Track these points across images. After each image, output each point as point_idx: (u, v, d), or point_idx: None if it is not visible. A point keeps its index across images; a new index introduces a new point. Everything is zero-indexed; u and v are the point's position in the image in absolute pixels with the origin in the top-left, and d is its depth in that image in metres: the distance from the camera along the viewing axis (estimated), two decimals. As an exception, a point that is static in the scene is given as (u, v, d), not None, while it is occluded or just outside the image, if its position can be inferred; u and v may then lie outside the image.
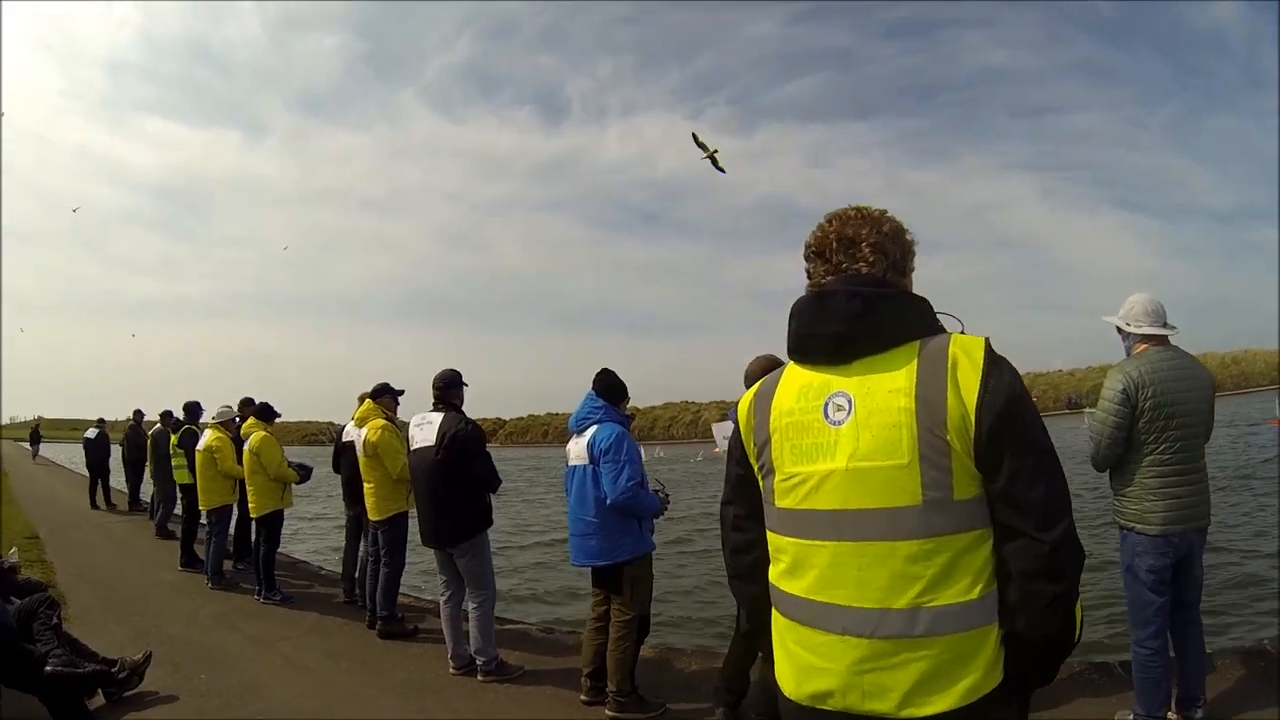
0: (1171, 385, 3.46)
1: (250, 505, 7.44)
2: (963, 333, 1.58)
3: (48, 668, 4.31)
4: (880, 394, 1.48)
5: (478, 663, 5.05)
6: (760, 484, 1.70)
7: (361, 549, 6.88)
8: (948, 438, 1.42)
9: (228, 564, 8.61)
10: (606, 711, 4.34)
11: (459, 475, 4.89)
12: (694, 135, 14.61)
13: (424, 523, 5.08)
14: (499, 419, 70.71)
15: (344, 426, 7.07)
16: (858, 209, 1.69)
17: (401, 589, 6.47)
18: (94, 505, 15.02)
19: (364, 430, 5.99)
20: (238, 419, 8.24)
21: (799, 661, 1.58)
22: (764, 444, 1.66)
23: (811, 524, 1.54)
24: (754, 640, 1.83)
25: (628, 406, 4.56)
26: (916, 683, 1.42)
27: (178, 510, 10.25)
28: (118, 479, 15.60)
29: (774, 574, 1.67)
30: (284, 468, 7.31)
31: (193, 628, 6.58)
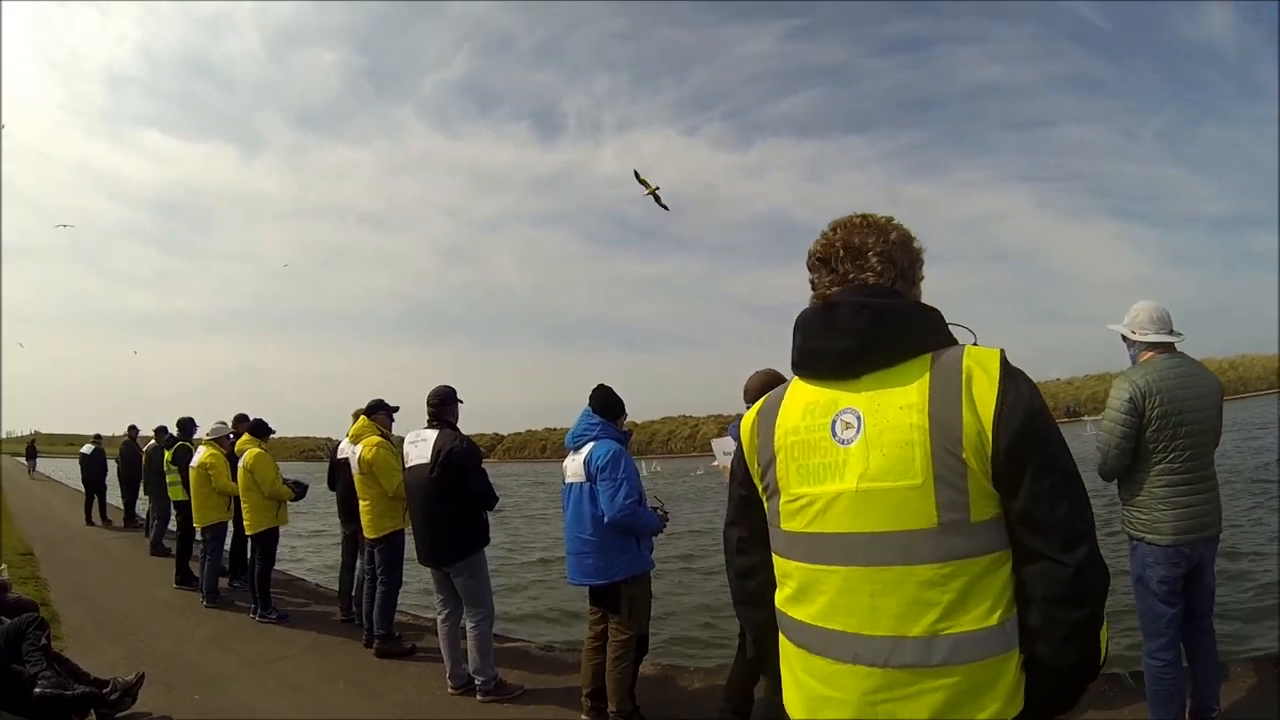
0: (1179, 393, 3.41)
1: (245, 522, 7.35)
2: (976, 344, 1.51)
3: (36, 689, 4.25)
4: (891, 410, 1.41)
5: (476, 682, 4.98)
6: (765, 505, 1.62)
7: (358, 567, 6.81)
8: (963, 456, 1.35)
9: (223, 582, 8.52)
10: (607, 732, 4.26)
11: (454, 493, 4.83)
12: (635, 173, 14.64)
13: (420, 541, 5.01)
14: (496, 434, 70.70)
15: (339, 443, 7.00)
16: (864, 217, 1.62)
17: (399, 607, 6.40)
18: (89, 521, 14.90)
19: (359, 447, 5.92)
20: (232, 435, 8.19)
21: (809, 691, 1.50)
22: (768, 464, 1.58)
23: (820, 548, 1.47)
24: (761, 666, 1.75)
25: (625, 422, 4.51)
26: (933, 714, 1.35)
27: (172, 526, 10.17)
28: (114, 495, 15.46)
29: (780, 599, 1.59)
30: (278, 485, 7.23)
31: (187, 647, 6.51)
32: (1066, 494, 1.36)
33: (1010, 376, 1.39)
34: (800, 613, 1.51)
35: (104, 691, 4.71)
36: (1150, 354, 3.56)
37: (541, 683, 5.26)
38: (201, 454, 8.00)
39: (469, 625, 4.99)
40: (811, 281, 1.65)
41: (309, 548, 14.01)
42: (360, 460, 5.85)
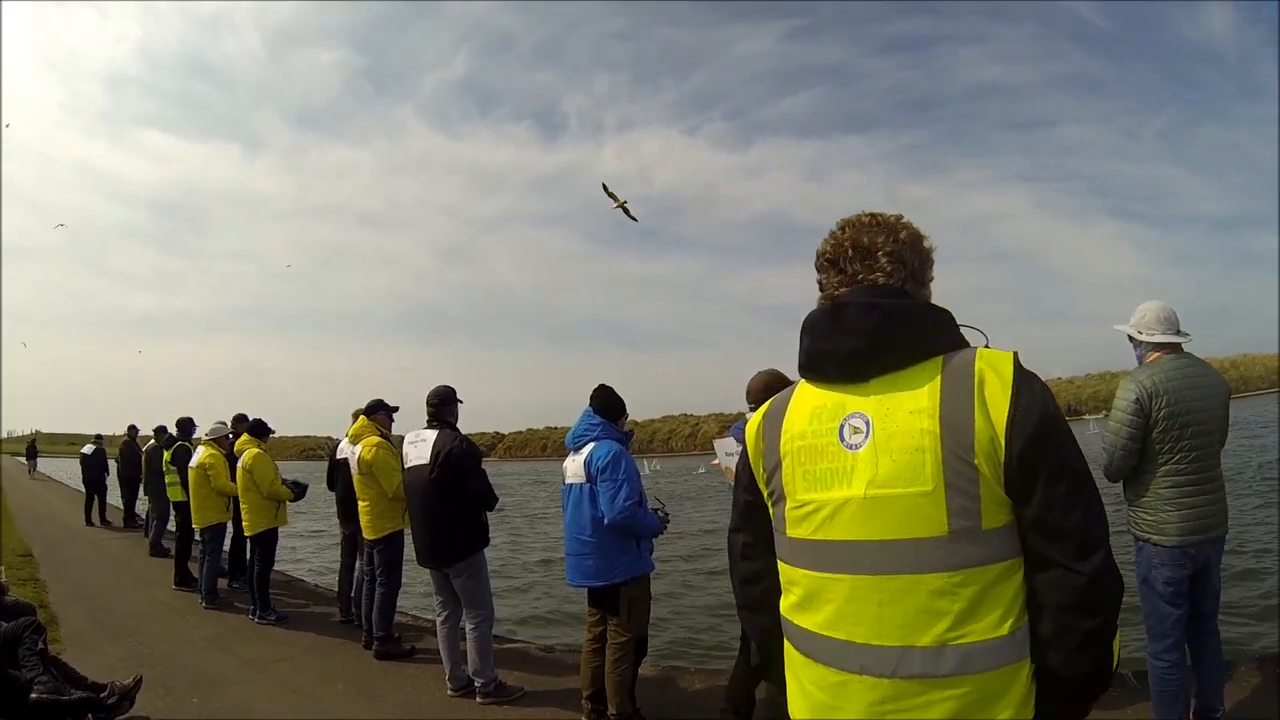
0: (1186, 394, 3.39)
1: (244, 523, 7.33)
2: (988, 346, 1.47)
3: (33, 695, 4.22)
4: (901, 415, 1.37)
5: (476, 684, 4.96)
6: (770, 511, 1.59)
7: (357, 568, 6.80)
8: (975, 462, 1.31)
9: (222, 583, 8.50)
10: (608, 734, 4.23)
11: (454, 494, 4.80)
12: (604, 185, 14.70)
13: (419, 542, 4.98)
14: (497, 433, 70.71)
15: (339, 443, 6.97)
16: (872, 215, 1.58)
17: (398, 608, 6.38)
18: (89, 522, 14.89)
19: (358, 448, 5.90)
20: (231, 435, 8.16)
21: (814, 700, 1.47)
22: (774, 469, 1.54)
23: (827, 555, 1.43)
24: (766, 673, 1.71)
25: (626, 423, 4.47)
26: None
27: (171, 527, 10.15)
28: (114, 495, 15.45)
29: (785, 606, 1.55)
30: (277, 485, 7.20)
31: (186, 649, 6.48)
32: (1081, 500, 1.32)
33: (1024, 380, 1.36)
34: (806, 621, 1.48)
35: (101, 696, 4.68)
36: (1157, 354, 3.54)
37: (541, 684, 5.23)
38: (200, 454, 7.96)
39: (468, 627, 4.97)
40: (819, 282, 1.61)
41: (309, 548, 13.98)
42: (360, 461, 5.83)
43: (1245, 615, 6.35)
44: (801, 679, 1.51)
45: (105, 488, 15.37)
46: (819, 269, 1.61)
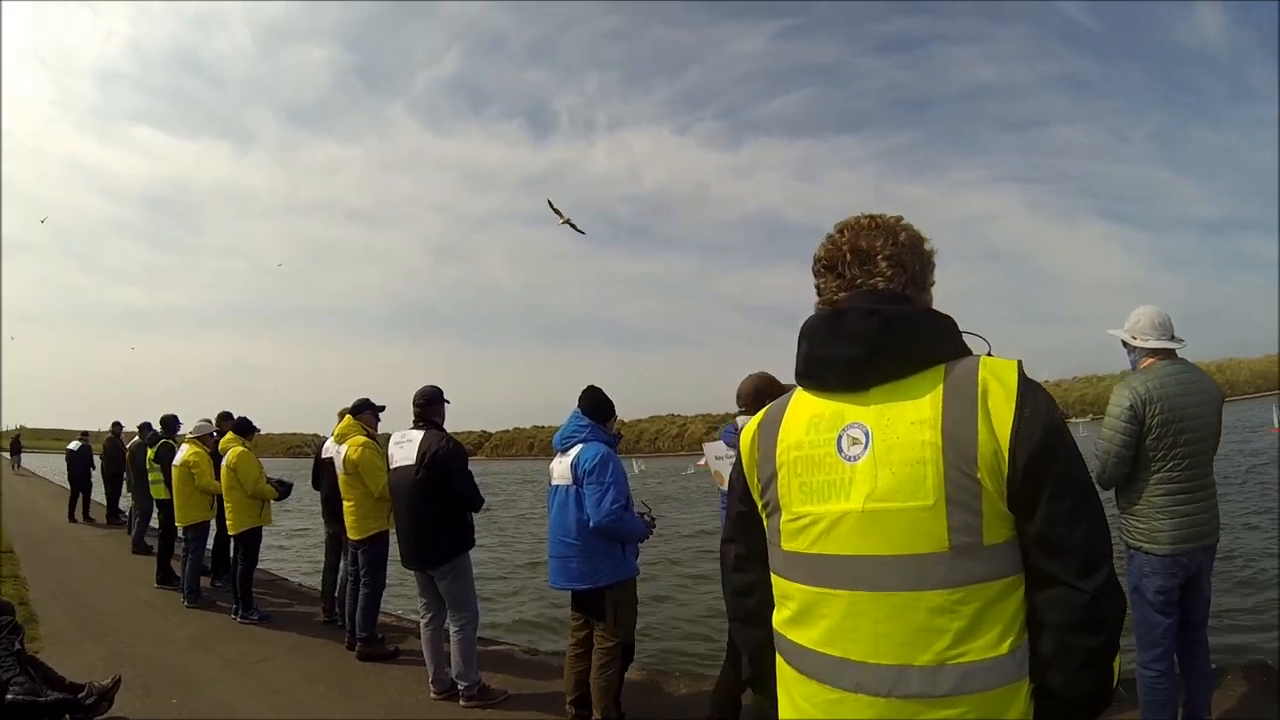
0: (1180, 400, 3.36)
1: (228, 522, 7.26)
2: (990, 354, 1.43)
3: (9, 696, 4.16)
4: (901, 426, 1.33)
5: (459, 687, 4.91)
6: (764, 522, 1.55)
7: (341, 567, 6.74)
8: (978, 476, 1.28)
9: (205, 581, 8.42)
10: (592, 740, 4.20)
11: (440, 495, 4.75)
12: (549, 202, 14.88)
13: (404, 544, 4.93)
14: (484, 431, 70.82)
15: (324, 441, 6.91)
16: (871, 217, 1.54)
17: (382, 609, 6.32)
18: (72, 519, 14.78)
19: (344, 447, 5.84)
20: (216, 433, 8.09)
21: (807, 717, 1.43)
22: (769, 479, 1.50)
23: (823, 570, 1.39)
24: (757, 686, 1.67)
25: (615, 424, 4.43)
26: None
27: (154, 524, 10.06)
28: (99, 492, 15.34)
29: (779, 620, 1.51)
30: (261, 484, 7.14)
31: (167, 648, 6.42)
32: (1085, 516, 1.29)
33: (1028, 390, 1.32)
34: (800, 636, 1.44)
35: (79, 696, 4.60)
36: (1151, 360, 3.52)
37: (526, 688, 5.18)
38: (184, 452, 7.89)
39: (452, 629, 4.92)
40: (817, 287, 1.57)
41: (294, 547, 13.90)
42: (345, 460, 5.77)
43: (1235, 622, 6.36)
44: (794, 694, 1.47)
45: (90, 485, 15.29)
46: (816, 274, 1.57)
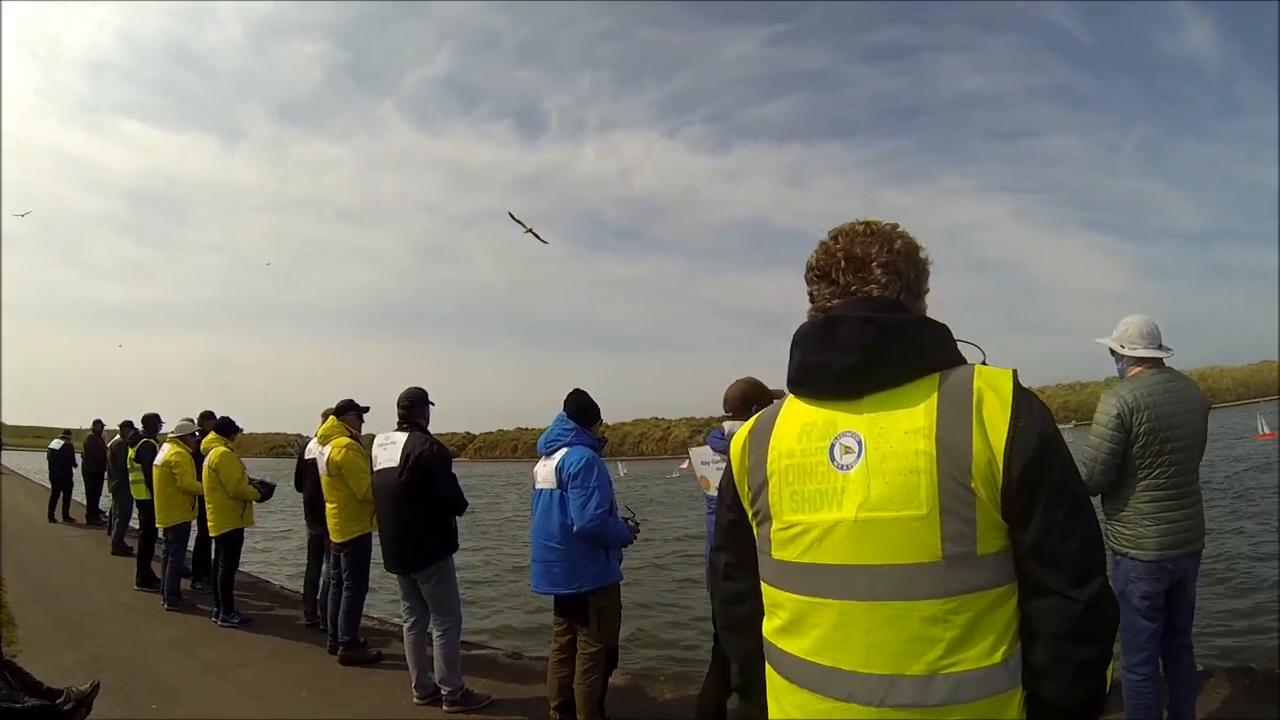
0: (1167, 409, 3.39)
1: (209, 523, 7.17)
2: (985, 363, 1.43)
3: (-17, 703, 4.09)
4: (895, 435, 1.32)
5: (443, 692, 4.87)
6: (755, 531, 1.54)
7: (324, 570, 6.68)
8: (972, 485, 1.27)
9: (185, 583, 8.32)
10: (576, 745, 4.17)
11: (423, 497, 4.72)
12: (510, 214, 14.92)
13: (387, 547, 4.89)
14: (468, 433, 70.71)
15: (307, 442, 6.86)
16: (866, 224, 1.53)
17: (364, 612, 6.26)
18: (52, 519, 14.62)
19: (327, 448, 5.79)
20: (198, 433, 8.01)
21: None
22: (759, 488, 1.49)
23: (814, 579, 1.38)
24: (746, 695, 1.66)
25: (599, 428, 4.41)
26: None
27: (135, 525, 9.95)
28: (80, 491, 15.15)
29: (769, 629, 1.49)
30: (243, 485, 7.07)
31: (147, 652, 6.34)
32: (1080, 526, 1.29)
33: (1023, 400, 1.32)
34: (791, 646, 1.43)
35: (57, 702, 4.53)
36: (1139, 369, 3.54)
37: (509, 692, 5.16)
38: (166, 452, 7.80)
39: (436, 633, 4.88)
40: (810, 294, 1.56)
41: (276, 549, 13.79)
42: (329, 462, 5.72)
43: (1219, 625, 6.42)
44: (784, 704, 1.46)
45: (72, 484, 15.11)
46: (809, 281, 1.56)
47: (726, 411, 3.88)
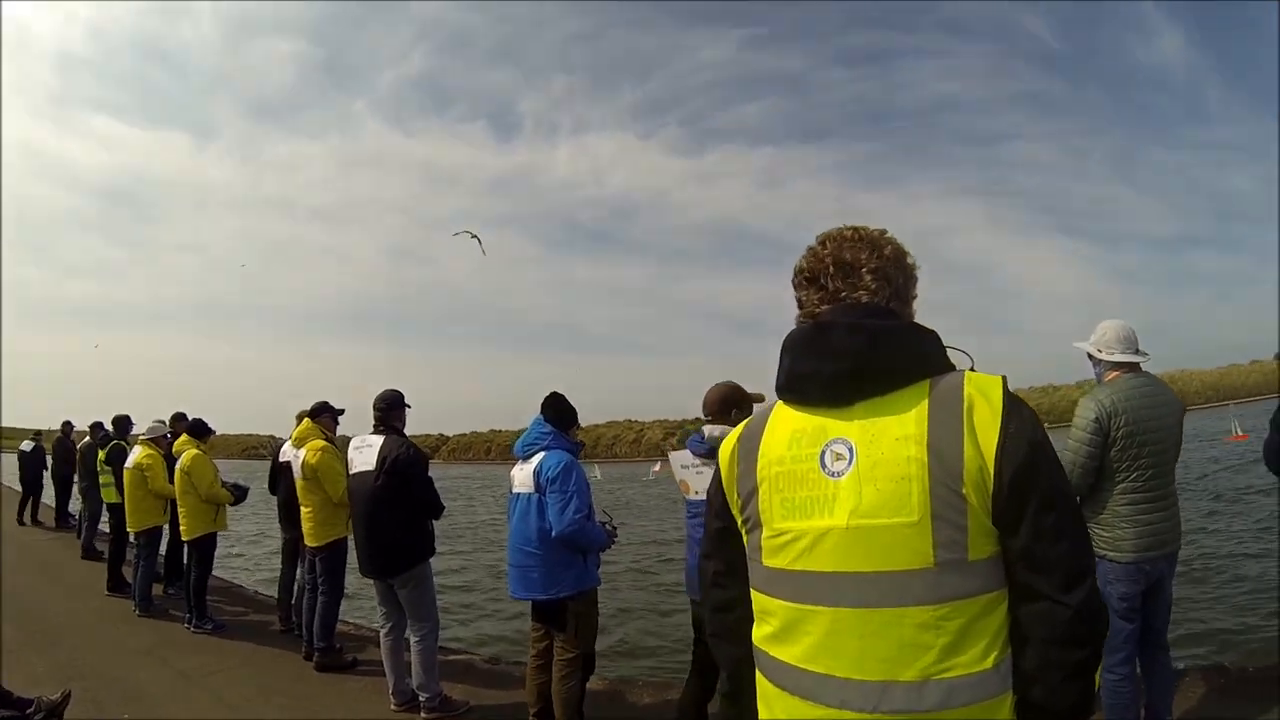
0: (1144, 413, 3.43)
1: (181, 527, 7.06)
2: (973, 370, 1.43)
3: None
4: (886, 442, 1.32)
5: (420, 699, 4.81)
6: (744, 538, 1.53)
7: (298, 575, 6.59)
8: (963, 492, 1.27)
9: (157, 589, 8.21)
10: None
11: (400, 501, 4.66)
12: (464, 232, 15.55)
13: (362, 552, 4.82)
14: (441, 435, 70.44)
15: (281, 444, 6.77)
16: (855, 229, 1.53)
17: (340, 617, 6.18)
18: (21, 521, 14.35)
19: (302, 451, 5.70)
20: (170, 435, 7.87)
21: None
22: (749, 495, 1.48)
23: (806, 587, 1.37)
24: (735, 702, 1.65)
25: (577, 432, 4.39)
26: None
27: (105, 529, 9.80)
28: (49, 494, 14.91)
29: (760, 637, 1.49)
30: (216, 488, 6.97)
31: (117, 660, 6.22)
32: (1069, 531, 1.30)
33: (1013, 406, 1.32)
34: (782, 653, 1.42)
35: (27, 712, 4.47)
36: (1116, 373, 3.58)
37: (488, 698, 5.12)
38: (137, 454, 7.68)
39: (413, 639, 4.82)
40: (799, 300, 1.56)
41: (250, 554, 13.63)
42: (304, 465, 5.64)
43: (1196, 625, 6.51)
44: (776, 710, 1.45)
45: (42, 486, 14.86)
46: (797, 286, 1.56)
47: (706, 415, 3.87)
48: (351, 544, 5.36)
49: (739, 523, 1.53)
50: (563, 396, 4.34)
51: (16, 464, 15.42)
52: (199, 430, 7.34)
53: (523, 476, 4.19)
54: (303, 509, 5.75)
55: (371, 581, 4.98)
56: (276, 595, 7.26)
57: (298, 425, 6.07)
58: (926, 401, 1.33)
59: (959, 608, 1.27)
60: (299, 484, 5.75)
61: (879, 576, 1.30)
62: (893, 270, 1.49)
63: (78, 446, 11.50)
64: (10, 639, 6.70)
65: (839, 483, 1.34)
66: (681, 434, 4.10)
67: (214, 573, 7.57)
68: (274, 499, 6.90)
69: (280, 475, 6.60)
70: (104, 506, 9.54)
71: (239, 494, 7.33)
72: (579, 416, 4.44)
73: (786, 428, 1.45)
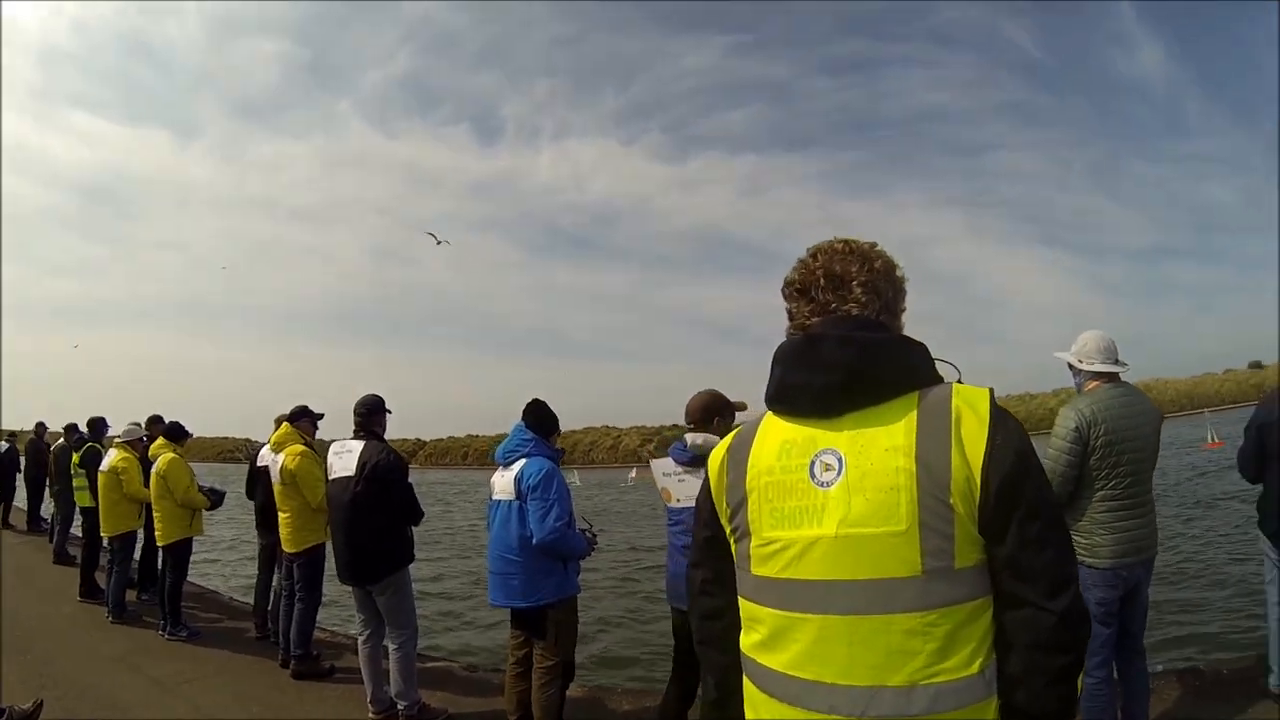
0: (1123, 422, 3.49)
1: (156, 532, 6.96)
2: (961, 382, 1.45)
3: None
4: (875, 452, 1.34)
5: (399, 706, 4.77)
6: (732, 547, 1.54)
7: (275, 580, 6.52)
8: (951, 501, 1.29)
9: (131, 595, 8.09)
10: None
11: (379, 507, 4.62)
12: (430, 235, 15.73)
13: (340, 558, 4.78)
14: (419, 439, 70.37)
15: (259, 449, 6.71)
16: (845, 242, 1.56)
17: (318, 625, 6.15)
18: (-9, 526, 14.13)
19: (280, 456, 5.65)
20: (145, 438, 7.78)
21: None
22: (739, 505, 1.49)
23: (795, 595, 1.39)
24: (723, 709, 1.66)
25: (558, 439, 4.38)
26: None
27: (77, 533, 9.66)
28: (21, 497, 14.67)
29: (748, 644, 1.50)
30: (192, 492, 6.88)
31: (90, 668, 6.11)
32: (1053, 539, 1.32)
33: (1000, 418, 1.35)
34: (771, 660, 1.43)
35: (-3, 721, 4.40)
36: (1096, 383, 3.64)
37: (467, 705, 5.09)
38: (112, 457, 7.55)
39: (391, 646, 4.79)
40: (789, 311, 1.58)
41: (226, 560, 13.52)
42: (282, 470, 5.58)
43: (1172, 629, 6.58)
44: (764, 717, 1.46)
45: (14, 489, 14.62)
46: (787, 298, 1.58)
47: (688, 423, 3.86)
48: (330, 550, 5.31)
49: (727, 531, 1.55)
50: (544, 403, 4.33)
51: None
52: (175, 433, 7.25)
53: (503, 483, 4.17)
54: (280, 514, 5.70)
55: (349, 588, 4.93)
56: (253, 601, 7.17)
57: (276, 429, 6.02)
58: (915, 413, 1.35)
59: (946, 614, 1.29)
60: (277, 489, 5.69)
61: (867, 584, 1.32)
62: (882, 283, 1.52)
63: (51, 448, 11.36)
64: (-21, 646, 6.60)
65: (828, 493, 1.36)
66: (660, 441, 4.09)
67: (189, 578, 7.47)
68: (251, 504, 6.82)
69: (258, 480, 6.53)
70: (77, 510, 9.39)
71: (215, 498, 7.24)
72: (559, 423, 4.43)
73: (776, 438, 1.47)
